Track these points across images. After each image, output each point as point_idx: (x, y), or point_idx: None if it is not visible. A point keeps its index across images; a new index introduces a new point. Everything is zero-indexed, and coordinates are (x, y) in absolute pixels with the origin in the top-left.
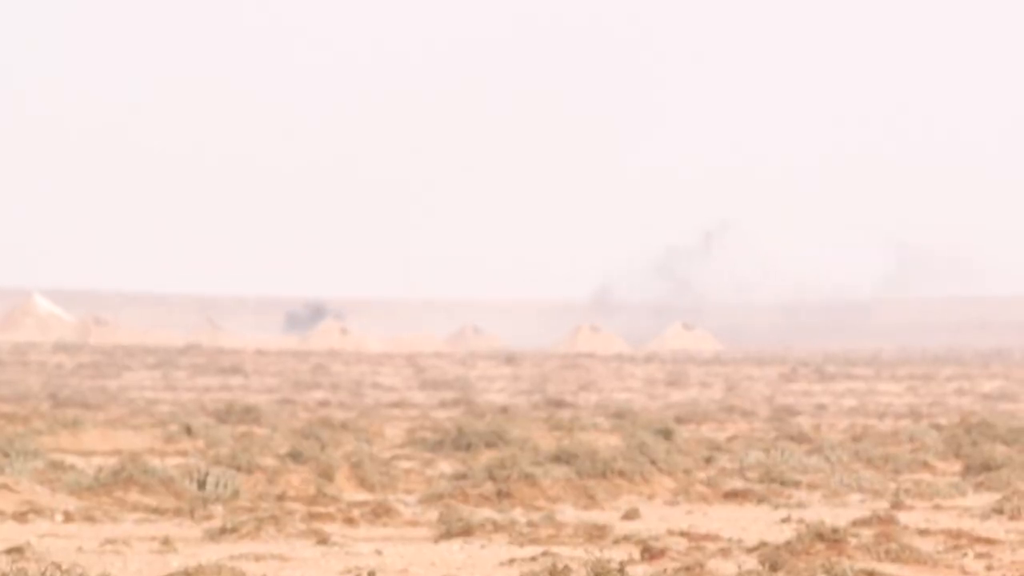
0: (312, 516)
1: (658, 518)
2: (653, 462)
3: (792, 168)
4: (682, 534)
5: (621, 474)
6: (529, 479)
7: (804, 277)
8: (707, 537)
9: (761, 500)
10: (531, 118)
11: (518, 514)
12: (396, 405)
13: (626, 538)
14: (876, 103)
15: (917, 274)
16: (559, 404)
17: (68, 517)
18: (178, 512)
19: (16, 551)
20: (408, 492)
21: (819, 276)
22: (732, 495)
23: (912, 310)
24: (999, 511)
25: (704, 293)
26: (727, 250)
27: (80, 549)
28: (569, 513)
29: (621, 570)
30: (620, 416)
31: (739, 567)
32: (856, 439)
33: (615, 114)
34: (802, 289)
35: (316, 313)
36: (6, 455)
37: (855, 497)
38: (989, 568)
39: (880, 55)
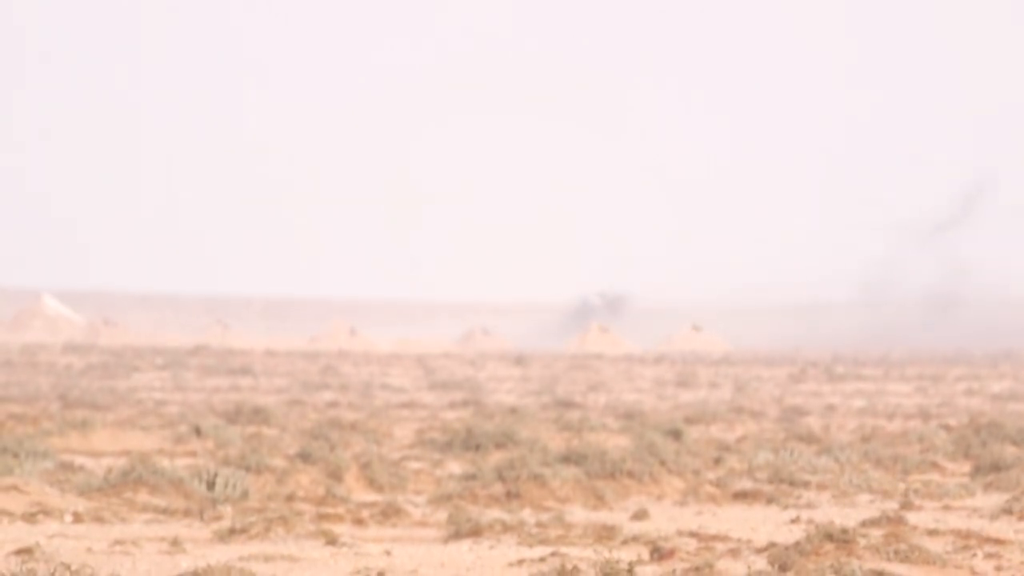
0: (321, 517)
1: (667, 519)
2: (662, 463)
3: None
4: (691, 535)
5: (630, 475)
6: (538, 480)
7: None
8: (716, 538)
9: (770, 500)
10: (533, 115)
11: (527, 515)
12: (405, 406)
13: (635, 538)
14: None
15: None
16: (568, 405)
17: (77, 518)
18: (187, 513)
19: (25, 552)
20: (417, 493)
21: None
22: (741, 495)
23: None
24: (1008, 511)
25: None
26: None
27: (89, 550)
28: (578, 514)
29: (630, 570)
30: (629, 417)
31: (748, 568)
32: (865, 439)
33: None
34: None
35: (613, 304)
36: (16, 456)
37: (864, 497)
38: (999, 569)
39: None
